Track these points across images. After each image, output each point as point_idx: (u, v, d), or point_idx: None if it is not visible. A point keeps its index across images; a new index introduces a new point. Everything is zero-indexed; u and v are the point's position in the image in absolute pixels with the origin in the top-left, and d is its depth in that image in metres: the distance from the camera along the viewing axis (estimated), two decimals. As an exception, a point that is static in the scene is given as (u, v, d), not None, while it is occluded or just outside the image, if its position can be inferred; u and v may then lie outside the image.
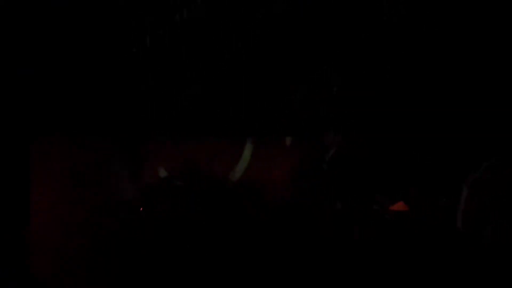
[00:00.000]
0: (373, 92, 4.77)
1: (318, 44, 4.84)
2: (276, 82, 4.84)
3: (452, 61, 4.69)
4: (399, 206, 4.45)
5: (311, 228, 4.33)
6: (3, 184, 4.45)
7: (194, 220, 4.39)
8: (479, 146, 4.40)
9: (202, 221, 4.38)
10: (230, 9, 4.75)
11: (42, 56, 4.59)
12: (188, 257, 4.32)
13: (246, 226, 4.44)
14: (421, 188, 4.49)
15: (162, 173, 4.56)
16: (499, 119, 4.51)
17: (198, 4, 4.71)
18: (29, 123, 4.54)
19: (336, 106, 4.76)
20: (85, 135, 4.54)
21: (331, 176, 4.34)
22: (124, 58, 4.69)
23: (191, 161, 4.62)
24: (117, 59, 4.68)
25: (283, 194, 4.46)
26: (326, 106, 4.78)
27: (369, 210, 4.45)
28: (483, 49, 4.62)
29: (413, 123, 4.68)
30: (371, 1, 4.80)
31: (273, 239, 4.34)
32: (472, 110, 4.57)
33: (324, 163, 4.33)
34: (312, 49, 4.83)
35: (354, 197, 4.39)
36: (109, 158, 4.43)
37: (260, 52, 4.80)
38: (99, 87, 4.64)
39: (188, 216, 4.39)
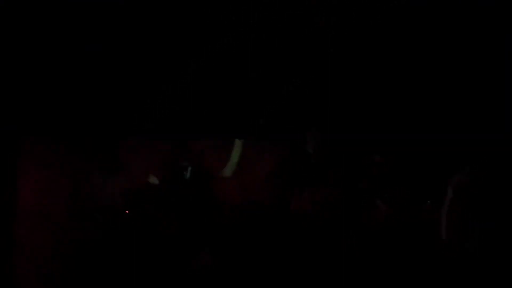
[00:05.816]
0: (359, 93, 4.78)
1: (302, 47, 4.85)
2: (261, 83, 4.85)
3: (437, 63, 4.71)
4: (381, 207, 4.48)
5: (297, 225, 4.35)
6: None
7: (179, 221, 4.41)
8: (464, 150, 4.43)
9: (189, 222, 4.40)
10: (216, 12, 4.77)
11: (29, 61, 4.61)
12: (174, 259, 4.34)
13: (234, 226, 4.46)
14: (406, 190, 4.51)
15: (152, 179, 4.58)
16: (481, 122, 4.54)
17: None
18: (16, 126, 4.56)
19: (321, 106, 4.77)
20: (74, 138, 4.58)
21: (317, 175, 4.35)
22: (109, 62, 4.70)
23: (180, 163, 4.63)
24: (103, 63, 4.69)
25: (270, 193, 4.49)
26: (309, 105, 4.78)
27: (358, 212, 4.48)
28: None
29: (398, 123, 4.70)
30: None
31: (261, 239, 4.37)
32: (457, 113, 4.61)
33: (309, 164, 4.35)
34: (296, 52, 4.84)
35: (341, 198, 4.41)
36: (95, 162, 4.45)
37: (247, 54, 4.81)
38: (88, 90, 4.66)
39: (174, 218, 4.40)
